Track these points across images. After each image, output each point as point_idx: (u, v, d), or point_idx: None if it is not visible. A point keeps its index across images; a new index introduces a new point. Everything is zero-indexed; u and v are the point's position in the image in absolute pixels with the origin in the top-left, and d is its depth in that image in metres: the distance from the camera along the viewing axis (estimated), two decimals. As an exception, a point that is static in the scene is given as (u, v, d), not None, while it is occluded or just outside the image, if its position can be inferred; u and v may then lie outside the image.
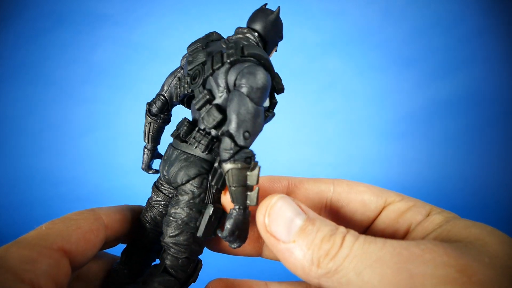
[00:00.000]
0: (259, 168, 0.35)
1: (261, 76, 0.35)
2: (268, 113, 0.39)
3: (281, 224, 0.33)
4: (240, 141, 0.34)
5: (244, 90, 0.34)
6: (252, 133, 0.35)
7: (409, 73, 1.56)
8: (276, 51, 0.41)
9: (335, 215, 0.44)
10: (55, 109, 1.42)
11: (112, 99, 1.42)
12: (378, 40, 1.55)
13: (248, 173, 0.34)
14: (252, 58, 0.36)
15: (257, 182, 0.34)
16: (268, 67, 0.37)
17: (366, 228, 0.43)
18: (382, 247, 0.30)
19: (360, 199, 0.43)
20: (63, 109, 1.42)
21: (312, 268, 0.31)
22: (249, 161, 0.34)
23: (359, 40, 1.54)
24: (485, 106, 1.52)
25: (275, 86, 0.39)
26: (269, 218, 0.34)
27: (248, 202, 0.35)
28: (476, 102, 1.53)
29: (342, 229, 0.32)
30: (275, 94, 0.40)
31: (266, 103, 0.38)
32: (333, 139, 1.50)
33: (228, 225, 0.35)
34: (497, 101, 1.52)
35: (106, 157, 1.37)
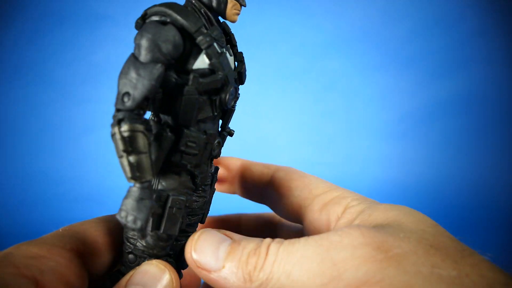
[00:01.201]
0: (119, 128, 0.30)
1: (148, 31, 0.32)
2: (177, 77, 0.32)
3: (208, 255, 0.33)
4: (119, 105, 0.31)
5: (133, 51, 0.32)
6: (134, 94, 0.31)
7: (409, 73, 1.56)
8: None
9: (268, 197, 0.48)
10: (55, 109, 1.42)
11: (112, 99, 1.42)
12: (378, 40, 1.55)
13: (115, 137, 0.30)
14: (153, 17, 0.34)
15: (125, 148, 0.30)
16: (174, 20, 0.32)
17: (293, 213, 0.45)
18: (305, 243, 0.31)
19: (287, 185, 0.45)
20: (63, 109, 1.42)
21: (247, 285, 0.31)
22: (122, 125, 0.30)
23: (359, 40, 1.54)
24: (485, 106, 1.52)
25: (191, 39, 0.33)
26: (195, 253, 0.34)
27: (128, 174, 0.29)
28: (476, 102, 1.53)
29: (267, 240, 0.33)
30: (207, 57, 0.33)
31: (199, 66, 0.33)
32: (333, 139, 1.50)
33: (126, 211, 0.29)
34: (497, 101, 1.52)
35: (106, 157, 1.37)
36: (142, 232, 0.30)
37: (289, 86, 1.48)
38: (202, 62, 0.33)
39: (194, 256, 0.34)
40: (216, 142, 0.37)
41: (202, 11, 0.35)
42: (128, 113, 0.31)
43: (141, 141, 0.30)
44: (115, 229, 0.39)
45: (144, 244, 0.36)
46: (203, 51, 0.33)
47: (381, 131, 1.53)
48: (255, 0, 1.29)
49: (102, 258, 0.37)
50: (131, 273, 0.36)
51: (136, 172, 0.30)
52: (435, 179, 1.46)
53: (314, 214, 0.43)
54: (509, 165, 1.47)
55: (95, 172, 1.39)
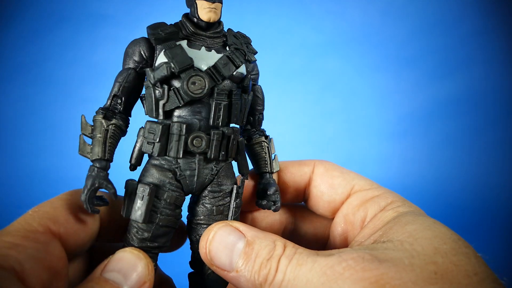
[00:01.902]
0: (82, 116, 0.40)
1: (127, 46, 0.43)
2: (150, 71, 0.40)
3: (223, 256, 0.36)
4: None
5: None
6: (109, 94, 0.42)
7: (409, 73, 1.56)
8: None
9: (309, 195, 0.49)
10: (55, 109, 1.42)
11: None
12: (378, 40, 1.55)
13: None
14: None
15: (84, 131, 0.39)
16: (148, 34, 0.42)
17: (334, 210, 0.48)
18: (311, 268, 0.33)
19: (330, 182, 0.48)
20: (63, 109, 1.42)
21: None
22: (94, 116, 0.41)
23: (359, 40, 1.55)
24: (485, 106, 1.52)
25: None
26: (210, 254, 0.37)
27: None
28: (476, 102, 1.53)
29: (278, 249, 0.36)
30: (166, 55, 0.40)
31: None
32: (333, 139, 1.51)
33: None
34: (497, 101, 1.52)
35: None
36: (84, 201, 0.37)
37: (289, 86, 1.48)
38: (160, 58, 0.40)
39: (209, 256, 0.37)
40: (193, 135, 0.39)
41: (179, 22, 0.43)
42: (100, 109, 0.41)
43: (98, 129, 0.39)
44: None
45: (128, 235, 0.40)
46: (162, 50, 0.40)
47: (381, 131, 1.53)
48: (255, 0, 1.29)
49: (78, 235, 0.36)
50: (106, 261, 0.36)
51: (83, 149, 0.39)
52: (435, 179, 1.46)
53: (352, 208, 0.46)
54: (509, 165, 1.47)
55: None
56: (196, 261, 0.43)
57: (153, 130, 0.39)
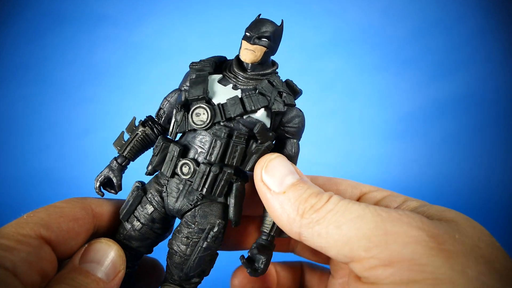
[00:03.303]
0: (134, 117, 0.46)
1: None
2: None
3: (275, 176, 0.37)
4: None
5: None
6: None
7: (409, 73, 1.55)
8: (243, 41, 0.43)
9: None
10: (55, 109, 1.42)
11: (112, 99, 1.42)
12: (378, 40, 1.55)
13: None
14: None
15: (128, 129, 0.46)
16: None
17: None
18: (365, 207, 0.33)
19: (335, 189, 0.47)
20: (63, 109, 1.42)
21: (296, 218, 0.34)
22: None
23: (359, 40, 1.54)
24: (485, 106, 1.52)
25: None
26: (265, 169, 0.37)
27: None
28: (476, 102, 1.53)
29: (330, 192, 0.36)
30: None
31: None
32: (333, 139, 1.50)
33: None
34: (497, 101, 1.52)
35: (106, 157, 1.36)
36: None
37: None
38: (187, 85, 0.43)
39: (263, 172, 0.38)
40: (183, 161, 0.41)
41: (227, 63, 0.45)
42: (146, 116, 0.47)
43: (132, 131, 0.45)
44: (81, 211, 0.40)
45: None
46: None
47: (381, 131, 1.53)
48: (255, 1, 1.29)
49: (69, 243, 0.38)
50: (81, 250, 0.37)
51: (117, 143, 0.46)
52: (435, 179, 1.46)
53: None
54: (509, 165, 1.47)
55: (95, 172, 1.38)
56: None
57: (158, 144, 0.43)
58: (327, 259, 0.50)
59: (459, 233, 0.32)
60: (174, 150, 0.42)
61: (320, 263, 0.52)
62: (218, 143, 0.40)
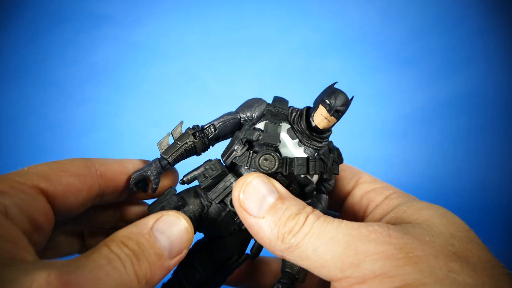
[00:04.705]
0: (181, 122, 0.47)
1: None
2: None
3: (254, 201, 0.37)
4: None
5: None
6: (213, 120, 0.48)
7: (409, 73, 1.55)
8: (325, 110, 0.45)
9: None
10: (55, 109, 1.42)
11: (112, 99, 1.42)
12: (378, 40, 1.55)
13: None
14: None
15: (174, 133, 0.47)
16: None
17: (342, 200, 0.50)
18: (337, 227, 0.34)
19: (341, 175, 0.50)
20: (63, 109, 1.42)
21: (277, 242, 0.35)
22: None
23: (359, 40, 1.54)
24: (485, 106, 1.52)
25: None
26: (243, 194, 0.37)
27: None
28: (476, 102, 1.53)
29: (308, 209, 0.36)
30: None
31: None
32: (333, 139, 1.50)
33: None
34: (498, 101, 1.52)
35: (106, 157, 1.36)
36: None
37: (289, 86, 1.48)
38: (260, 125, 0.44)
39: (241, 197, 0.38)
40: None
41: (302, 110, 0.46)
42: (196, 126, 0.47)
43: (182, 138, 0.46)
44: (84, 168, 0.40)
45: None
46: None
47: (381, 131, 1.53)
48: (255, 1, 1.29)
49: (68, 198, 0.37)
50: (157, 216, 0.36)
51: (162, 144, 0.46)
52: (435, 179, 1.46)
53: (355, 199, 0.48)
54: (509, 165, 1.47)
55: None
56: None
57: (215, 168, 0.44)
58: None
59: (430, 235, 0.33)
60: (231, 181, 0.43)
61: None
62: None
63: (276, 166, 0.41)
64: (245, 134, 0.43)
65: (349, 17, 1.55)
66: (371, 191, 0.46)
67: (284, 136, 0.43)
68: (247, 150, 0.43)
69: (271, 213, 0.36)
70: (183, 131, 0.46)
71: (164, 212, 0.37)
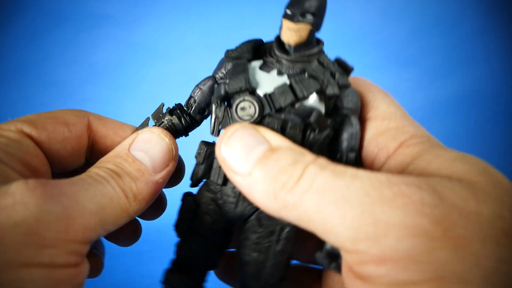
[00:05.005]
0: (162, 104, 0.41)
1: None
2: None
3: (238, 156, 0.30)
4: None
5: None
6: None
7: (409, 73, 1.55)
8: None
9: None
10: (55, 109, 1.42)
11: (112, 99, 1.42)
12: (378, 40, 1.55)
13: None
14: None
15: (154, 116, 0.41)
16: None
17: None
18: (350, 184, 0.25)
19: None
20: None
21: (270, 200, 0.28)
22: None
23: (359, 40, 1.54)
24: (485, 106, 1.52)
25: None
26: (225, 149, 0.31)
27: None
28: (476, 102, 1.53)
29: (308, 157, 0.28)
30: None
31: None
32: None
33: None
34: (498, 101, 1.52)
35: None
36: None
37: (289, 86, 1.48)
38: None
39: (223, 152, 0.31)
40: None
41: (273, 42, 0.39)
42: (175, 104, 0.41)
43: (158, 118, 0.41)
44: (74, 118, 0.38)
45: None
46: None
47: (381, 131, 1.53)
48: (255, 1, 1.29)
49: (54, 145, 0.35)
50: (133, 137, 0.35)
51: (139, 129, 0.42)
52: (435, 179, 1.46)
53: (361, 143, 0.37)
54: (509, 165, 1.47)
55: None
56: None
57: (200, 150, 0.38)
58: None
59: (475, 200, 0.24)
60: None
61: None
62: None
63: (257, 110, 0.33)
64: (214, 95, 0.37)
65: (349, 17, 1.55)
66: (382, 134, 0.35)
67: (258, 74, 0.36)
68: (225, 110, 0.36)
69: (259, 166, 0.28)
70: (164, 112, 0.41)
71: (139, 131, 0.36)
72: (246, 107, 0.34)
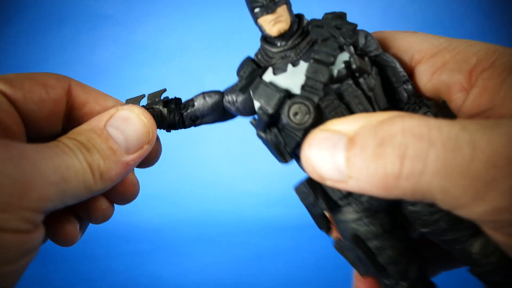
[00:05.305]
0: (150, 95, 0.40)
1: None
2: None
3: (329, 168, 0.26)
4: None
5: None
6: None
7: (409, 73, 1.56)
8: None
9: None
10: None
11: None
12: (378, 40, 1.55)
13: None
14: None
15: (133, 100, 0.39)
16: None
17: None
18: (470, 154, 0.21)
19: (391, 53, 0.36)
20: (63, 109, 1.42)
21: (385, 193, 0.24)
22: None
23: (359, 40, 1.55)
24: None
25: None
26: (315, 168, 0.27)
27: None
28: (476, 102, 1.53)
29: (386, 128, 0.24)
30: None
31: None
32: (333, 139, 1.51)
33: None
34: (497, 101, 1.52)
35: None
36: None
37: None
38: (256, 104, 0.35)
39: (318, 171, 0.27)
40: None
41: (259, 50, 0.36)
42: (175, 97, 0.40)
43: (149, 105, 0.39)
44: (54, 81, 0.35)
45: None
46: None
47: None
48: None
49: (30, 105, 0.33)
50: (110, 112, 0.34)
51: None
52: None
53: (420, 88, 0.33)
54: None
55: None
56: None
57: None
58: None
59: None
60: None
61: None
62: (339, 110, 0.31)
63: (309, 105, 0.31)
64: (259, 127, 0.34)
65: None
66: (442, 68, 0.32)
67: (278, 79, 0.33)
68: (280, 132, 0.33)
69: (352, 169, 0.24)
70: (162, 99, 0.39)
71: (119, 107, 0.35)
72: (297, 110, 0.31)
